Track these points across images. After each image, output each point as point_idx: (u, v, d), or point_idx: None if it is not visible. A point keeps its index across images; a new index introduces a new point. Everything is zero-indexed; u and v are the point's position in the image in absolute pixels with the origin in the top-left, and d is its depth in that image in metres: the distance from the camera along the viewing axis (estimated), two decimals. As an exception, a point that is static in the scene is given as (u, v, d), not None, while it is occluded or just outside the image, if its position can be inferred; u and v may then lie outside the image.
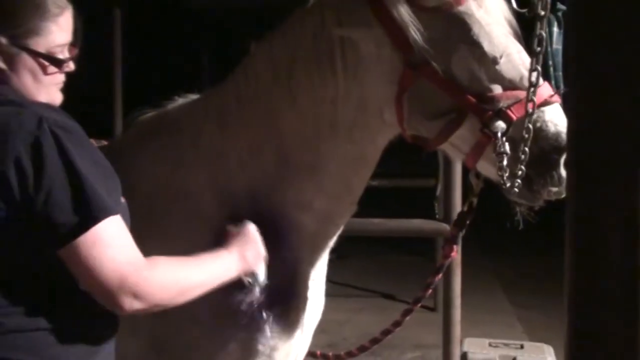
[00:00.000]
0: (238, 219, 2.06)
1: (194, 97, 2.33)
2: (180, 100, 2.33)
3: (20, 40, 1.65)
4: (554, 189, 1.90)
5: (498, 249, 8.76)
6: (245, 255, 1.92)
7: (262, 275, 1.97)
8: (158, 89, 3.05)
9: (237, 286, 1.95)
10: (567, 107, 1.70)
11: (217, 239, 2.02)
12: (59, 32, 1.69)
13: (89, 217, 1.56)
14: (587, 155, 1.09)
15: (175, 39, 11.61)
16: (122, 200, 1.72)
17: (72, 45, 1.76)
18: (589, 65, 1.09)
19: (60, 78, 1.75)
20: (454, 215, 3.89)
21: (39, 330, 1.62)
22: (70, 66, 1.76)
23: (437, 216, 5.93)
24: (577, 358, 1.11)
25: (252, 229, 1.99)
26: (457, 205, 3.96)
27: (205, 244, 2.01)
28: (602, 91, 1.07)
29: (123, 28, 6.57)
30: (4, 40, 1.64)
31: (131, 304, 1.60)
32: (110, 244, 1.58)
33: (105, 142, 2.73)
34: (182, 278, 1.72)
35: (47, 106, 1.66)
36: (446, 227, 3.87)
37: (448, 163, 4.06)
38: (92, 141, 2.66)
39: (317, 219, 2.15)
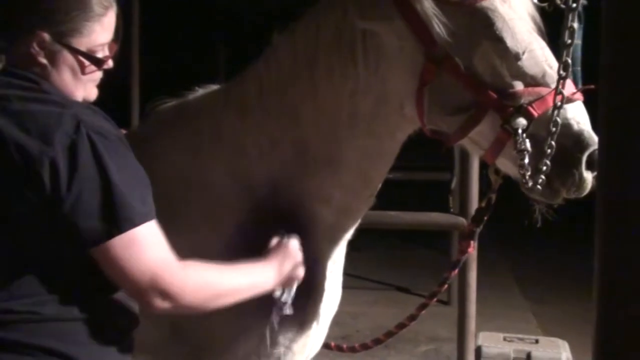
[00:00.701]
0: (261, 212, 2.07)
1: (214, 87, 2.34)
2: (200, 91, 2.34)
3: (64, 38, 1.67)
4: (574, 188, 1.89)
5: (513, 244, 8.72)
6: (284, 270, 1.91)
7: (293, 292, 1.97)
8: (174, 81, 3.07)
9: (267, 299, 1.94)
10: (592, 107, 1.69)
11: (238, 227, 2.02)
12: (101, 32, 1.72)
13: (121, 221, 1.58)
14: (617, 149, 1.08)
15: (191, 30, 11.62)
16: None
17: (113, 42, 1.77)
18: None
19: (98, 75, 1.77)
20: (470, 209, 3.90)
21: (71, 320, 1.65)
22: (109, 64, 1.78)
23: (451, 210, 5.93)
24: (605, 349, 1.09)
25: (294, 244, 1.98)
26: (474, 199, 3.95)
27: (225, 234, 2.02)
28: (634, 94, 1.05)
29: (141, 19, 6.59)
30: (47, 37, 1.66)
31: (161, 304, 1.62)
32: (144, 245, 1.61)
33: (124, 131, 2.74)
34: (215, 283, 1.73)
35: (87, 107, 1.69)
36: (462, 220, 3.87)
37: (465, 157, 4.05)
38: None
39: (336, 212, 2.16)
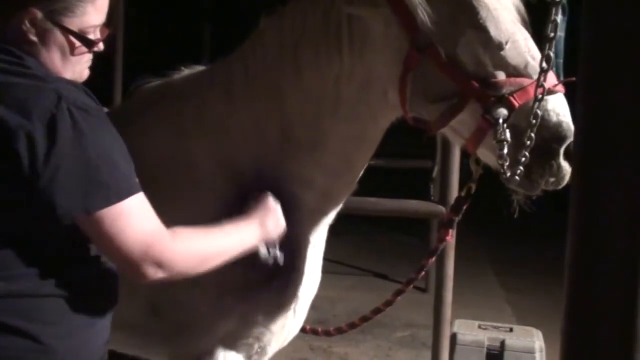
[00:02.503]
0: (244, 191, 2.08)
1: (200, 68, 2.33)
2: (186, 71, 2.33)
3: (55, 17, 1.65)
4: (552, 179, 1.90)
5: (491, 233, 8.79)
6: (266, 224, 1.94)
7: (278, 252, 2.00)
8: (158, 60, 3.05)
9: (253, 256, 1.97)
10: (573, 99, 1.71)
11: (223, 209, 2.03)
12: (94, 13, 1.70)
13: (104, 195, 1.58)
14: (592, 142, 1.09)
15: (176, 9, 11.52)
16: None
17: (105, 26, 1.76)
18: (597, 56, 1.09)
19: (88, 57, 1.76)
20: (451, 198, 3.92)
21: (40, 297, 1.64)
22: (100, 46, 1.76)
23: (432, 197, 5.95)
24: (574, 339, 1.11)
25: (271, 199, 2.01)
26: (454, 188, 3.96)
27: (210, 214, 2.03)
28: (607, 83, 1.07)
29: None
30: (39, 14, 1.64)
31: (155, 273, 1.63)
32: (134, 217, 1.61)
33: (106, 110, 2.72)
34: (204, 247, 1.75)
35: (69, 83, 1.67)
36: (442, 209, 3.89)
37: (446, 145, 4.06)
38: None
39: (318, 196, 2.18)
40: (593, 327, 1.07)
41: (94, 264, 1.74)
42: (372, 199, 3.68)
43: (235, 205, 2.04)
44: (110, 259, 1.68)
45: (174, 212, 2.07)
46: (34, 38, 1.65)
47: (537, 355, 4.08)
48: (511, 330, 4.31)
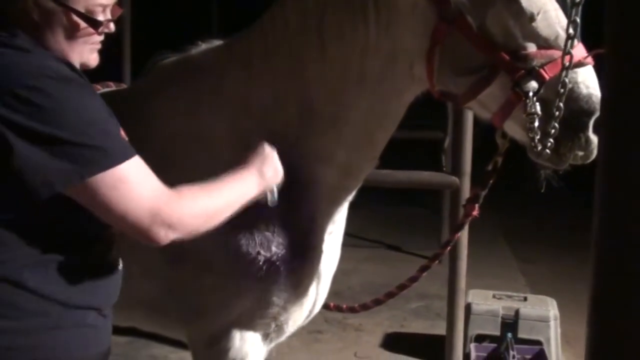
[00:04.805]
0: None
1: (217, 42, 2.30)
2: (203, 46, 2.29)
3: None
4: (581, 153, 1.88)
5: (503, 203, 8.78)
6: (264, 172, 1.90)
7: (276, 192, 1.95)
8: (166, 37, 3.02)
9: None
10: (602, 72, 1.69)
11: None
12: None
13: (96, 161, 1.51)
14: (621, 116, 1.07)
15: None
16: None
17: (116, 5, 1.68)
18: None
19: (97, 39, 1.67)
20: (464, 168, 3.91)
21: (20, 287, 1.57)
22: (110, 27, 1.69)
23: (444, 169, 5.94)
24: (602, 309, 1.10)
25: (267, 148, 1.96)
26: (467, 159, 3.95)
27: None
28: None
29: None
30: None
31: (167, 235, 1.59)
32: (135, 181, 1.56)
33: (124, 86, 2.70)
34: (209, 203, 1.71)
35: (53, 56, 1.59)
36: (456, 180, 3.88)
37: (459, 116, 4.04)
38: (110, 84, 2.62)
39: (338, 172, 2.15)
40: (623, 293, 1.06)
41: (87, 255, 1.68)
42: (386, 171, 3.66)
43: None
44: (118, 227, 1.62)
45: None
46: (36, 18, 1.58)
47: (552, 323, 4.10)
48: (525, 299, 4.32)
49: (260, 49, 2.11)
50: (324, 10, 2.01)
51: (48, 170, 1.49)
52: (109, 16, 1.67)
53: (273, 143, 2.06)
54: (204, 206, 1.69)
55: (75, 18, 1.60)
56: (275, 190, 1.94)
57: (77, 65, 1.65)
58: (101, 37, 1.69)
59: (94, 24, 1.62)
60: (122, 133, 1.65)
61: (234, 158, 1.99)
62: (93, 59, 1.70)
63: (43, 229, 1.60)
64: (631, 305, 1.04)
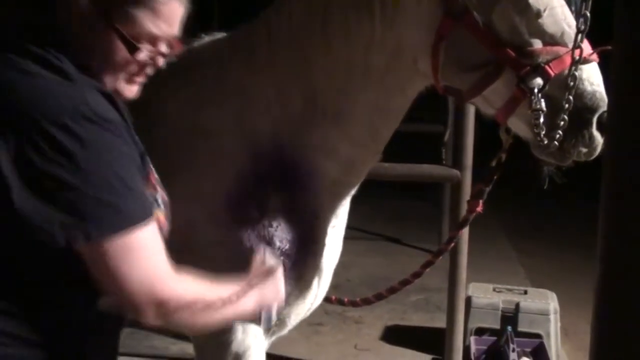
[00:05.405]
0: (263, 163, 2.04)
1: (221, 34, 2.29)
2: (206, 38, 2.28)
3: (104, 10, 1.47)
4: (585, 149, 1.88)
5: (503, 197, 8.78)
6: (264, 293, 1.73)
7: (274, 315, 1.82)
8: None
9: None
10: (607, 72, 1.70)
11: (239, 178, 2.00)
12: (153, 20, 1.49)
13: (117, 220, 1.39)
14: (625, 110, 1.07)
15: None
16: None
17: (176, 40, 1.57)
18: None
19: (134, 69, 1.53)
20: (465, 162, 3.91)
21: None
22: (158, 61, 1.55)
23: (443, 162, 5.93)
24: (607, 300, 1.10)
25: (274, 262, 1.81)
26: (469, 152, 3.95)
27: (227, 183, 2.01)
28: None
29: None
30: (86, 2, 1.46)
31: (154, 317, 1.46)
32: (145, 251, 1.43)
33: None
34: (205, 297, 1.55)
35: (95, 86, 1.46)
36: (457, 173, 3.88)
37: (460, 110, 4.04)
38: None
39: (341, 166, 2.14)
40: (628, 289, 1.06)
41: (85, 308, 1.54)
42: (386, 164, 3.66)
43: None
44: (109, 290, 1.45)
45: (190, 179, 2.07)
46: (76, 29, 1.48)
47: (552, 317, 4.10)
48: (525, 292, 4.33)
49: (264, 42, 2.11)
50: (329, 6, 2.01)
51: (55, 221, 1.37)
52: (162, 49, 1.55)
53: (275, 136, 2.05)
54: (200, 297, 1.53)
55: (116, 40, 1.48)
56: (273, 312, 1.80)
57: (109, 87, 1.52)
58: (141, 70, 1.56)
59: (131, 48, 1.48)
60: (153, 176, 1.54)
61: (237, 150, 1.98)
62: (129, 90, 1.56)
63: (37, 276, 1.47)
64: (637, 301, 1.04)
